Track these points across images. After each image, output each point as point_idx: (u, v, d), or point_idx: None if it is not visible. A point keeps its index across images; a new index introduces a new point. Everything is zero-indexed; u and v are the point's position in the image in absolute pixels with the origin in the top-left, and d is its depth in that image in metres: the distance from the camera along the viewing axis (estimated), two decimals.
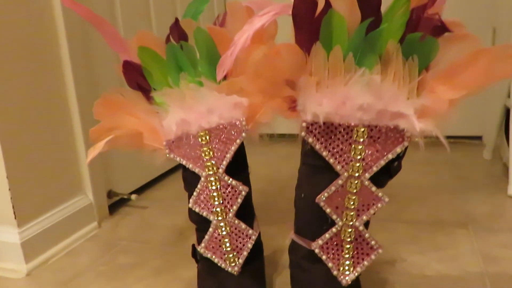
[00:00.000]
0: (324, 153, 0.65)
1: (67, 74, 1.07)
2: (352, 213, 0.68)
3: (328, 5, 0.60)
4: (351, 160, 0.65)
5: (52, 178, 1.05)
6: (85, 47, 1.13)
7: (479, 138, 1.82)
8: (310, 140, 0.65)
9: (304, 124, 0.65)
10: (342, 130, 0.65)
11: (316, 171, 0.69)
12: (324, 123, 0.64)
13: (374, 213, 0.68)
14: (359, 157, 0.65)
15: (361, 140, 0.65)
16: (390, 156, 0.65)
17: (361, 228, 0.68)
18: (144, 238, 1.10)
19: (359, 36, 0.61)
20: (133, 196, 1.22)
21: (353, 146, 0.65)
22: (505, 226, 1.07)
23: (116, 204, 1.28)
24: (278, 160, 1.72)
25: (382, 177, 0.68)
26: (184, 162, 0.76)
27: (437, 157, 1.62)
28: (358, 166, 0.65)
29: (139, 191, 1.39)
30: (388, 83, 0.62)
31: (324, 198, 0.67)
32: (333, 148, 0.66)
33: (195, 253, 0.81)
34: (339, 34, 0.61)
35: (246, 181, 0.79)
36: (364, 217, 0.68)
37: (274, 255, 0.96)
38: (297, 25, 0.62)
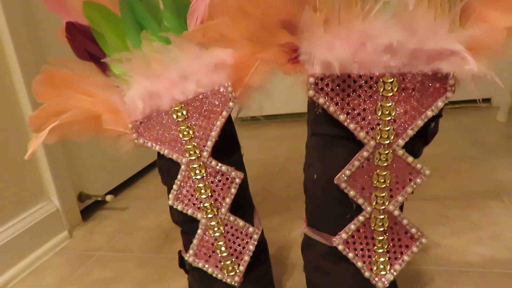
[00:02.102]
0: (342, 117, 0.48)
1: (9, 54, 0.88)
2: (383, 194, 0.51)
3: None
4: (378, 123, 0.49)
5: (5, 184, 0.87)
6: (26, 12, 0.93)
7: (487, 101, 1.67)
8: (321, 100, 0.48)
9: (311, 80, 0.48)
10: (364, 83, 0.48)
11: (331, 142, 0.52)
12: (338, 76, 0.47)
13: (412, 192, 0.52)
14: (388, 118, 0.48)
15: (390, 94, 0.48)
16: (429, 114, 0.48)
17: (396, 212, 0.52)
18: (124, 245, 0.92)
19: None
20: (109, 197, 1.04)
21: (379, 104, 0.48)
22: None
23: (89, 208, 1.10)
24: (271, 143, 1.55)
25: (416, 144, 0.51)
26: (157, 148, 0.59)
27: (446, 122, 1.46)
28: (388, 130, 0.49)
29: (116, 190, 1.21)
30: (422, 12, 0.45)
31: (345, 178, 0.51)
32: (353, 109, 0.49)
33: (182, 262, 0.64)
34: None
35: (239, 165, 0.62)
36: (400, 198, 0.51)
37: (280, 253, 0.80)
38: None
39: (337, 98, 0.48)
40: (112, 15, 0.59)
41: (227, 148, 0.60)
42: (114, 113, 0.60)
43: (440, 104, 0.48)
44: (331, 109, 0.48)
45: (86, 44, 0.60)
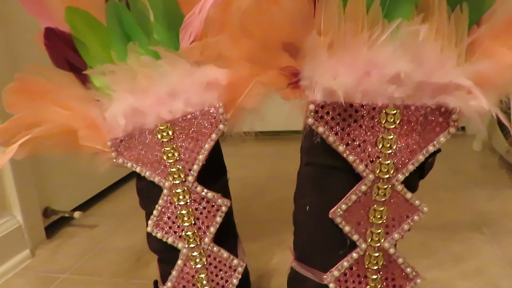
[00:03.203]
0: (341, 148, 0.46)
1: None
2: (379, 231, 0.48)
3: None
4: (379, 157, 0.46)
5: None
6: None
7: (462, 129, 1.70)
8: (320, 129, 0.45)
9: (311, 107, 0.45)
10: (366, 114, 0.45)
11: (327, 173, 0.49)
12: (340, 104, 0.45)
13: (408, 230, 0.49)
14: (389, 151, 0.46)
15: (392, 127, 0.45)
16: (431, 149, 0.47)
17: (391, 250, 0.49)
18: (92, 267, 0.86)
19: None
20: (77, 214, 0.98)
21: (381, 136, 0.46)
22: None
23: (55, 224, 1.03)
24: (249, 161, 1.51)
25: (412, 178, 0.49)
26: (138, 169, 0.54)
27: None
28: (388, 164, 0.46)
29: (86, 205, 1.14)
30: (430, 43, 0.43)
31: (341, 212, 0.48)
32: (353, 140, 0.46)
33: None
34: None
35: (225, 191, 0.58)
36: (396, 235, 0.49)
37: (260, 282, 0.76)
38: None
39: (337, 127, 0.46)
40: (96, 23, 0.54)
41: (213, 172, 0.56)
42: (92, 129, 0.56)
43: (442, 139, 0.46)
44: (331, 139, 0.46)
45: (66, 53, 0.56)
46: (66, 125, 0.55)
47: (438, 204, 1.03)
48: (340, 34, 0.43)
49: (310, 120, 0.45)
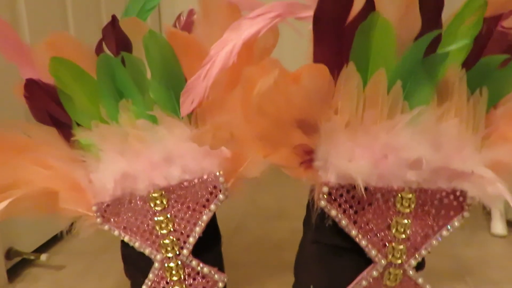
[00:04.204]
0: (354, 233, 0.43)
1: None
2: None
3: (370, 4, 0.38)
4: (392, 241, 0.44)
5: None
6: None
7: None
8: (333, 212, 0.42)
9: (325, 189, 0.42)
10: (380, 196, 0.43)
11: (336, 253, 0.46)
12: (354, 187, 0.42)
13: None
14: (403, 236, 0.44)
15: (407, 211, 0.43)
16: (444, 234, 0.45)
17: None
18: None
19: (414, 57, 0.40)
20: (43, 256, 0.90)
21: (394, 220, 0.43)
22: (504, 275, 0.92)
23: (17, 265, 0.95)
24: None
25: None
26: (126, 238, 0.50)
27: None
28: (401, 249, 0.44)
29: (52, 242, 1.06)
30: (449, 127, 0.42)
31: None
32: (367, 224, 0.43)
33: None
34: (384, 51, 0.40)
35: (219, 262, 0.54)
36: None
37: None
38: (320, 33, 0.39)
39: (351, 210, 0.43)
40: (85, 76, 0.50)
41: (208, 241, 0.52)
42: (75, 191, 0.51)
43: (456, 224, 0.44)
44: (343, 223, 0.43)
45: (48, 106, 0.50)
46: (46, 187, 0.49)
47: None
48: (358, 115, 0.41)
49: (322, 202, 0.42)
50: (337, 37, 0.39)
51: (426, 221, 0.44)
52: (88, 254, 1.02)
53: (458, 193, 0.43)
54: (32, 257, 0.90)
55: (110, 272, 0.93)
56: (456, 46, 0.39)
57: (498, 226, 1.10)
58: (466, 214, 0.44)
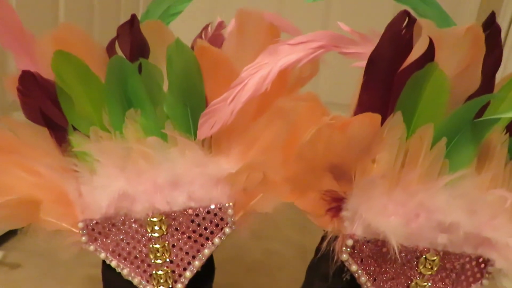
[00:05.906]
0: None
1: None
2: None
3: (429, 54, 0.35)
4: None
5: None
6: None
7: None
8: (353, 268, 0.39)
9: (350, 242, 0.38)
10: (404, 256, 0.40)
11: None
12: (378, 242, 0.39)
13: None
14: None
15: (429, 273, 0.40)
16: None
17: None
18: None
19: (465, 117, 0.37)
20: None
21: (414, 281, 0.41)
22: None
23: None
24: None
25: None
26: (114, 263, 0.44)
27: None
28: None
29: (5, 238, 0.97)
30: (485, 193, 0.39)
31: None
32: (386, 282, 0.40)
33: None
34: (434, 105, 0.37)
35: None
36: None
37: None
38: (372, 76, 0.36)
39: (371, 267, 0.40)
40: (91, 76, 0.44)
41: (202, 275, 0.47)
42: (61, 204, 0.45)
43: None
44: (362, 280, 0.40)
45: (43, 103, 0.44)
46: (29, 196, 0.43)
47: None
48: (395, 168, 0.38)
49: (345, 256, 0.39)
50: (389, 83, 0.36)
51: (445, 285, 0.41)
52: (47, 256, 0.94)
53: (481, 260, 0.41)
54: None
55: (69, 279, 0.85)
56: (509, 114, 0.37)
57: None
58: (485, 282, 0.42)
